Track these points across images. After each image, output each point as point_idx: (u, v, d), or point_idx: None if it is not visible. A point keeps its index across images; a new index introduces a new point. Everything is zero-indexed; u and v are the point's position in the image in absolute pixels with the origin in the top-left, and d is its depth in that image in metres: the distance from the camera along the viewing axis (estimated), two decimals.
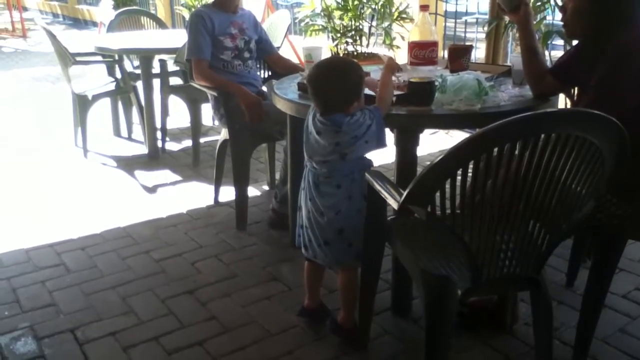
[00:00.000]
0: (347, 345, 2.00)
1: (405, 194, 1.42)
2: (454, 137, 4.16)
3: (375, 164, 3.24)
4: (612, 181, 1.47)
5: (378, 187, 1.67)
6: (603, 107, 1.37)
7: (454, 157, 1.33)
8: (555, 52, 3.81)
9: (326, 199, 1.90)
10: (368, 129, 1.81)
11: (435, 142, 4.07)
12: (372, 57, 4.92)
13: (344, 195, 1.89)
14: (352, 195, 1.89)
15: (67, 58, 3.95)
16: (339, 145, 1.83)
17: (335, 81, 1.82)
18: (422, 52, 2.23)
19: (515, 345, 2.01)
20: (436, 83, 1.98)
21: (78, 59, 4.01)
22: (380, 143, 1.85)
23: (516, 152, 1.33)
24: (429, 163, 1.36)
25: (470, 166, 1.36)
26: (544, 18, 3.40)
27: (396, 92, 2.04)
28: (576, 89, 2.29)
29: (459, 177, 1.36)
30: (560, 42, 3.59)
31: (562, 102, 2.95)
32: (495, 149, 1.34)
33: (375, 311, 2.05)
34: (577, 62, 1.87)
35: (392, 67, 1.98)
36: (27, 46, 10.07)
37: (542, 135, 1.33)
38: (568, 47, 2.96)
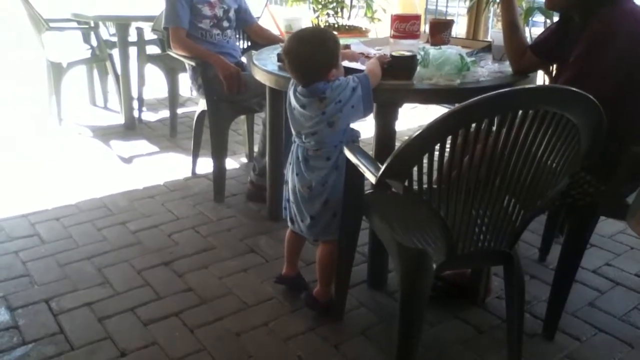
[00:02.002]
0: (322, 317, 2.02)
1: (383, 168, 1.42)
2: (432, 112, 4.17)
3: None
4: (587, 159, 1.49)
5: (356, 160, 1.67)
6: (582, 84, 1.38)
7: (432, 132, 1.33)
8: (535, 28, 3.82)
9: (316, 173, 1.90)
10: (353, 92, 1.79)
11: (414, 117, 4.08)
12: (353, 30, 4.88)
13: (333, 166, 1.89)
14: (340, 166, 1.89)
15: (40, 24, 3.84)
16: (325, 114, 1.81)
17: (312, 49, 1.79)
18: (403, 25, 2.22)
19: (487, 318, 2.05)
20: (418, 57, 1.97)
21: (52, 25, 3.90)
22: (367, 108, 1.84)
23: (494, 127, 1.34)
24: (407, 137, 1.36)
25: (448, 141, 1.36)
26: None
27: None
28: (555, 65, 2.30)
29: (436, 152, 1.36)
30: (540, 18, 3.60)
31: (540, 78, 2.97)
32: (474, 124, 1.34)
33: (351, 284, 2.07)
34: (558, 39, 1.87)
35: (380, 57, 1.98)
36: None
37: (520, 112, 1.33)
38: (548, 24, 2.97)
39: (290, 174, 1.99)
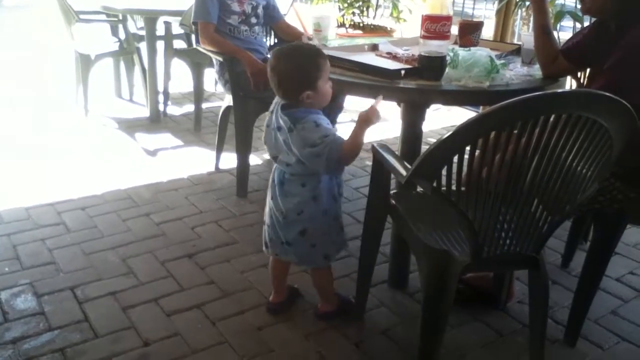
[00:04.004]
0: (341, 316, 2.02)
1: (412, 167, 1.42)
2: (455, 114, 4.15)
3: (378, 137, 3.24)
4: (618, 166, 1.48)
5: (385, 159, 1.67)
6: (616, 92, 1.37)
7: (464, 133, 1.33)
8: (563, 33, 3.78)
9: (289, 199, 1.81)
10: (316, 158, 1.70)
11: (437, 119, 4.06)
12: (378, 29, 4.88)
13: (309, 195, 1.80)
14: (318, 196, 1.81)
15: (71, 15, 3.90)
16: (289, 146, 1.74)
17: (286, 66, 1.72)
18: (434, 25, 2.19)
19: (508, 322, 2.04)
20: (447, 58, 1.96)
21: (82, 17, 3.95)
22: (329, 168, 1.74)
23: (526, 131, 1.33)
24: (431, 138, 1.36)
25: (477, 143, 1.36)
26: None
27: (405, 66, 2.03)
28: (585, 71, 2.28)
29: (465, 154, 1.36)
30: (568, 23, 3.56)
31: (568, 83, 2.94)
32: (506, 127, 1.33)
33: (371, 283, 2.07)
34: (590, 45, 1.85)
35: (368, 120, 1.74)
36: (28, 1, 9.90)
37: (553, 115, 1.33)
38: (578, 29, 2.94)
39: (269, 196, 1.91)
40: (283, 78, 1.73)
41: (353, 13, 4.94)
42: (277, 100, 1.83)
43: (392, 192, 1.93)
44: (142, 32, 4.08)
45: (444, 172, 1.39)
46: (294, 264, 1.99)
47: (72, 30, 3.96)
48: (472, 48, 2.16)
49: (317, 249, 1.88)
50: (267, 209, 1.93)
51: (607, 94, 1.34)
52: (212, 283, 2.21)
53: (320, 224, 1.85)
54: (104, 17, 4.16)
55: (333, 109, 3.04)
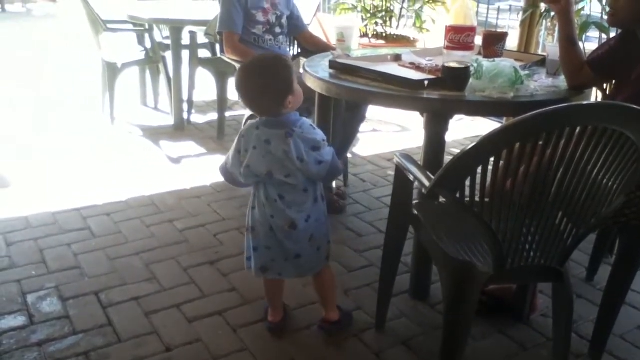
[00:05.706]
0: (345, 328, 1.99)
1: (436, 178, 1.42)
2: (479, 125, 4.12)
3: (400, 147, 3.24)
4: None
5: (408, 169, 1.67)
6: None
7: (488, 144, 1.33)
8: (588, 44, 3.75)
9: (295, 208, 1.79)
10: (318, 165, 1.73)
11: (460, 129, 4.04)
12: (401, 39, 4.89)
13: (311, 198, 1.81)
14: (317, 198, 1.83)
15: (98, 25, 3.98)
16: (289, 154, 1.70)
17: (265, 81, 1.70)
18: (458, 36, 2.21)
19: (532, 336, 2.01)
20: (471, 69, 1.96)
21: (109, 26, 4.03)
22: (328, 175, 1.79)
23: (551, 143, 1.33)
24: (454, 149, 1.36)
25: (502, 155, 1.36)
26: (582, 9, 3.33)
27: (429, 77, 2.03)
28: (612, 82, 2.26)
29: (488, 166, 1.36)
30: (594, 34, 3.53)
31: (594, 95, 2.91)
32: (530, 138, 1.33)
33: (393, 293, 2.06)
34: (617, 55, 1.84)
35: None
36: (56, 10, 10.13)
37: (578, 128, 1.32)
38: (604, 39, 2.91)
39: (260, 219, 1.82)
40: (263, 92, 1.71)
41: (376, 23, 4.96)
42: (251, 122, 1.80)
43: (414, 202, 1.92)
44: (168, 42, 4.14)
45: (467, 182, 1.38)
46: (298, 276, 1.96)
47: (100, 39, 4.04)
48: (496, 59, 2.16)
49: (320, 251, 1.89)
50: (260, 233, 1.83)
51: (634, 106, 1.33)
52: (233, 290, 2.22)
53: (322, 225, 1.87)
54: (130, 26, 4.24)
55: (356, 119, 3.06)
